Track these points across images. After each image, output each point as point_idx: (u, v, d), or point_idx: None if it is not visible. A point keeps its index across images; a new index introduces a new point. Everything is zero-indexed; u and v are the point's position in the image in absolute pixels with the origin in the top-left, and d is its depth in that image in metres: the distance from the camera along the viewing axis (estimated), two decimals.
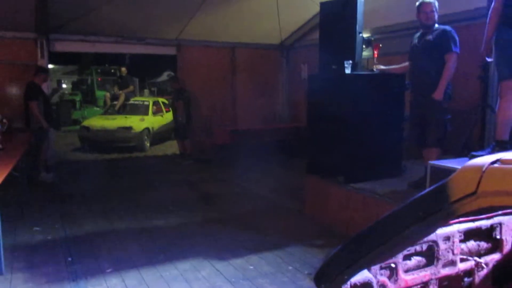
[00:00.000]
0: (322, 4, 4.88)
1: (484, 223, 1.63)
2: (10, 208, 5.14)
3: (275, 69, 10.33)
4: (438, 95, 4.08)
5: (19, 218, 5.06)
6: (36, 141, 6.83)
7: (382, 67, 4.62)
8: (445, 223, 1.37)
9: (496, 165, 1.04)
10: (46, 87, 7.57)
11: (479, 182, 1.02)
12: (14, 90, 7.73)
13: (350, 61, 4.46)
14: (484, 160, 1.07)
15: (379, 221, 1.25)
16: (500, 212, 1.65)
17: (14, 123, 7.08)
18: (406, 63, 4.53)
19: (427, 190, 1.19)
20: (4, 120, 5.21)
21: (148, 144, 11.31)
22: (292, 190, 6.37)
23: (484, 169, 1.03)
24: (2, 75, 7.71)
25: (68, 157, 10.00)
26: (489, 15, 3.42)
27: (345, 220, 4.54)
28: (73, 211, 5.56)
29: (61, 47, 8.31)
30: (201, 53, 9.52)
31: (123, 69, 13.11)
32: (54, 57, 11.66)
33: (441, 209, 1.08)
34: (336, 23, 4.67)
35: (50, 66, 8.86)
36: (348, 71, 4.46)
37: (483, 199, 1.01)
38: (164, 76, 26.15)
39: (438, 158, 4.05)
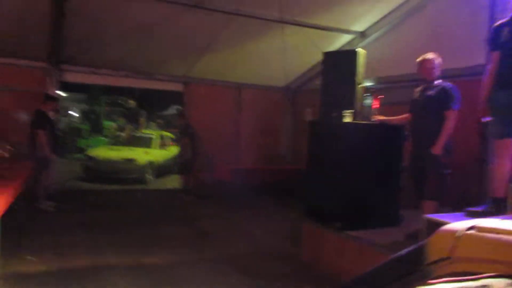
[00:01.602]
0: (325, 53, 5.05)
1: (471, 284, 1.64)
2: (8, 236, 5.12)
3: (280, 111, 10.52)
4: (437, 150, 4.16)
5: (16, 247, 5.04)
6: (38, 169, 6.91)
7: (381, 117, 4.72)
8: (421, 284, 1.40)
9: (471, 231, 1.08)
10: (53, 115, 7.74)
11: (453, 248, 1.06)
12: (22, 117, 7.90)
13: (350, 110, 4.57)
14: (460, 225, 1.11)
15: (359, 277, 1.29)
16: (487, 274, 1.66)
17: (20, 149, 7.21)
18: (406, 115, 4.63)
19: (406, 250, 1.23)
20: (9, 147, 5.32)
21: (151, 177, 11.36)
22: (290, 233, 6.33)
23: (458, 235, 1.07)
24: (11, 102, 7.91)
25: (70, 186, 10.03)
26: (484, 76, 3.54)
27: (341, 269, 4.49)
28: (69, 242, 5.54)
29: (71, 77, 8.56)
30: (207, 91, 9.75)
31: (132, 101, 13.39)
32: (64, 85, 11.90)
33: (417, 271, 1.12)
34: (338, 72, 4.82)
35: (60, 93, 9.09)
36: (347, 119, 4.56)
37: (457, 264, 1.06)
38: (172, 110, 26.50)
39: (436, 211, 4.07)
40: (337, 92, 4.80)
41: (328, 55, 5.03)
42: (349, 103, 4.63)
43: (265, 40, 8.06)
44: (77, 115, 21.57)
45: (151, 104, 24.56)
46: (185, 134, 9.05)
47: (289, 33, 7.48)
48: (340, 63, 4.80)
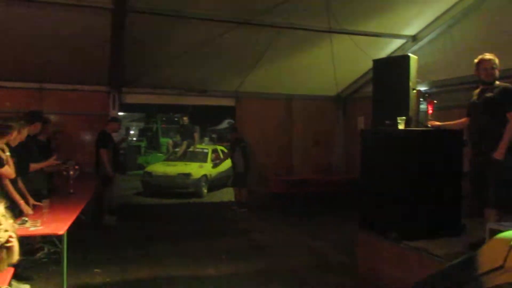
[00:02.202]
0: (375, 61, 4.98)
1: None
2: (76, 250, 5.46)
3: (331, 120, 10.42)
4: (500, 154, 3.94)
5: (83, 260, 5.37)
6: (102, 186, 7.34)
7: (437, 123, 4.56)
8: None
9: None
10: (116, 135, 8.21)
11: (506, 257, 1.02)
12: (87, 138, 8.46)
13: (404, 117, 4.46)
14: None
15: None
16: None
17: (86, 168, 7.71)
18: (463, 119, 4.44)
19: (458, 260, 1.20)
20: (76, 167, 5.71)
21: (205, 190, 11.63)
22: (346, 245, 6.22)
23: None
24: (77, 125, 8.50)
25: (131, 201, 10.51)
26: None
27: (399, 281, 4.35)
28: (131, 254, 5.82)
29: (131, 99, 9.06)
30: (258, 104, 9.87)
31: (185, 118, 13.84)
32: (124, 106, 12.54)
33: (469, 281, 1.09)
34: (389, 79, 4.73)
35: (120, 113, 9.63)
36: (401, 127, 4.45)
37: (510, 274, 1.02)
38: (225, 124, 27.05)
39: (500, 219, 3.85)
40: (390, 99, 4.70)
41: (378, 62, 4.95)
42: (403, 110, 4.52)
43: (314, 50, 8.07)
44: (132, 133, 22.61)
45: (204, 119, 25.23)
46: (237, 148, 9.20)
47: (338, 42, 7.44)
48: (391, 70, 4.71)
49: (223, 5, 6.51)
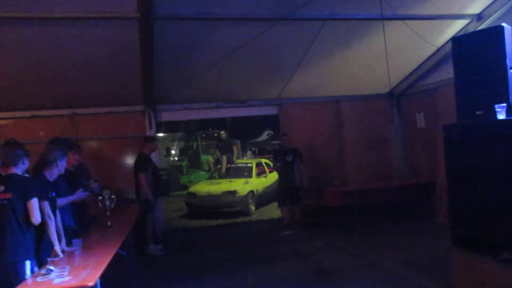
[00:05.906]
0: (454, 40, 4.06)
1: None
2: (118, 286, 4.81)
3: (386, 120, 9.43)
4: None
5: None
6: (143, 212, 6.73)
7: None
8: None
9: None
10: (155, 156, 7.65)
11: None
12: (125, 162, 7.96)
13: (504, 104, 3.51)
14: None
15: None
16: None
17: (125, 194, 7.17)
18: None
19: None
20: (113, 196, 5.10)
21: (253, 208, 10.88)
22: (428, 265, 5.25)
23: None
24: (114, 149, 8.05)
25: (176, 225, 9.91)
26: None
27: None
28: None
29: (166, 116, 8.56)
30: (303, 110, 9.13)
31: (222, 132, 13.24)
32: (164, 125, 12.10)
33: None
34: (476, 60, 3.80)
35: (160, 134, 9.15)
36: (502, 116, 3.51)
37: None
38: (264, 136, 26.36)
39: None
40: (479, 84, 3.77)
41: (458, 42, 4.01)
42: (499, 95, 3.58)
43: (363, 43, 7.17)
44: (174, 152, 22.30)
45: (243, 133, 24.65)
46: (300, 158, 8.35)
47: (390, 31, 6.49)
48: (477, 48, 3.78)
49: (257, 1, 5.79)
